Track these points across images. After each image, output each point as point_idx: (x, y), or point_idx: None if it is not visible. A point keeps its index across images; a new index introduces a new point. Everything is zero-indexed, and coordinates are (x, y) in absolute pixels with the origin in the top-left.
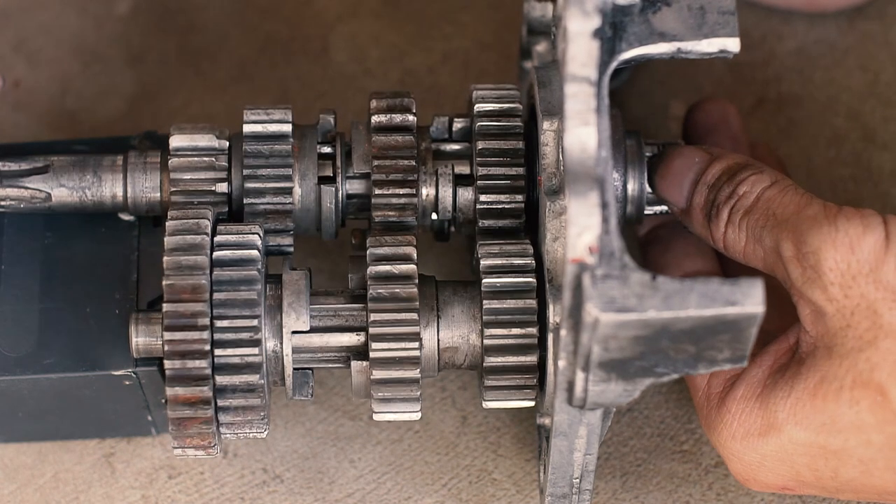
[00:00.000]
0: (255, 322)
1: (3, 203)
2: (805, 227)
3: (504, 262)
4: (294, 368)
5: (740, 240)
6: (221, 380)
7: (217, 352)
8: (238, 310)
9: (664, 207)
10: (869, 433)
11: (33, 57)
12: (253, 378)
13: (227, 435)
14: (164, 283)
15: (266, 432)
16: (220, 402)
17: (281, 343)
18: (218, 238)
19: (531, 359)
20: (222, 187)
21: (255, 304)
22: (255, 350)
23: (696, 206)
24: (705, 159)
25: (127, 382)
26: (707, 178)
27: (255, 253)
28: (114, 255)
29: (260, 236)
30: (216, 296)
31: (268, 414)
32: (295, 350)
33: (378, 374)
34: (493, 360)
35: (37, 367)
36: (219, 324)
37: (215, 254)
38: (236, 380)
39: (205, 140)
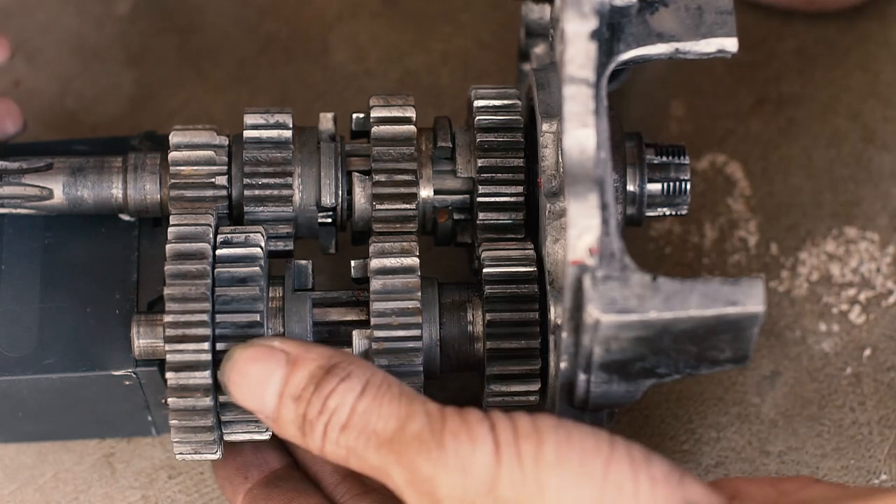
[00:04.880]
0: (256, 318)
1: (3, 201)
2: (413, 451)
3: (506, 269)
4: None
5: (341, 455)
6: (223, 397)
7: (219, 346)
8: (239, 305)
9: (666, 209)
10: None
11: (33, 57)
12: None
13: (230, 436)
14: (165, 291)
15: (269, 434)
16: (224, 418)
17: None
18: (221, 236)
19: (533, 366)
20: (222, 180)
21: (258, 300)
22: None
23: (286, 420)
24: (283, 364)
25: (127, 382)
26: (291, 390)
27: (257, 251)
28: (114, 255)
29: (263, 235)
30: (218, 292)
31: None
32: None
33: None
34: (495, 369)
35: (37, 367)
36: (220, 319)
37: (218, 251)
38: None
39: (205, 137)
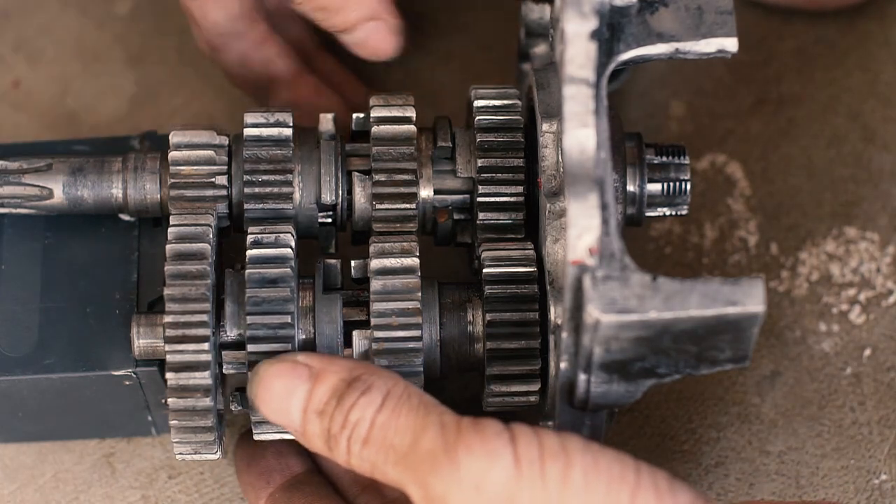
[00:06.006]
0: (287, 319)
1: (3, 201)
2: (426, 468)
3: (506, 269)
4: None
5: (366, 468)
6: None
7: (250, 348)
8: (270, 307)
9: (666, 209)
10: None
11: (33, 57)
12: None
13: (260, 436)
14: (165, 292)
15: None
16: (254, 418)
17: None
18: (251, 237)
19: (533, 367)
20: (222, 180)
21: (289, 327)
22: (289, 347)
23: (312, 435)
24: (306, 379)
25: (127, 382)
26: (314, 405)
27: (288, 251)
28: (114, 255)
29: (293, 235)
30: (249, 293)
31: None
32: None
33: None
34: (495, 369)
35: (37, 367)
36: (251, 321)
37: (248, 252)
38: None
39: (205, 137)
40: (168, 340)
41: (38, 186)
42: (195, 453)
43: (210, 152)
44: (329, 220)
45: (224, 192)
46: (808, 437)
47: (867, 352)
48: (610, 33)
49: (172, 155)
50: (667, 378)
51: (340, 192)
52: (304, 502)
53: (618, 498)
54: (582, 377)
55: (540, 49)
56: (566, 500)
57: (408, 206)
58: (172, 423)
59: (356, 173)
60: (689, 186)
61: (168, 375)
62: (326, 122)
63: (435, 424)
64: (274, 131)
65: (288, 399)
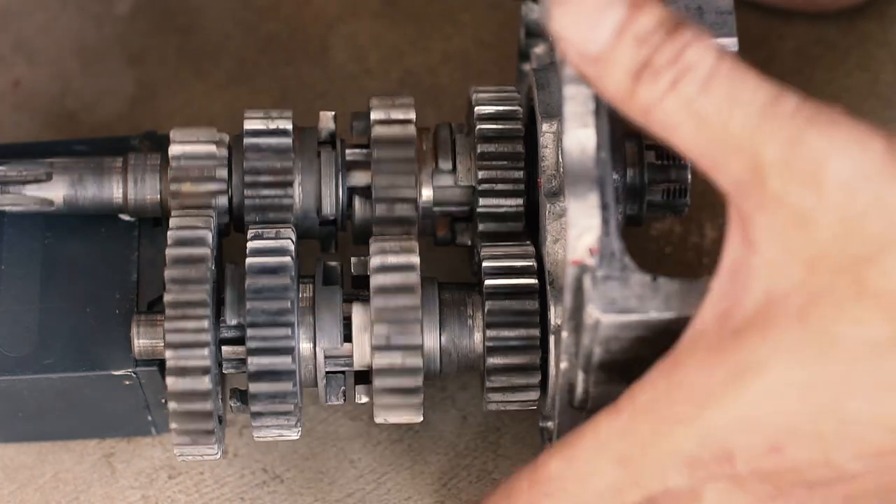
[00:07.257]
0: (287, 304)
1: (3, 208)
2: (800, 122)
3: (506, 263)
4: (326, 372)
5: (679, 118)
6: (253, 388)
7: (249, 333)
8: (271, 318)
9: (666, 211)
10: (882, 353)
11: (33, 57)
12: (286, 386)
13: (261, 438)
14: (165, 297)
15: (298, 434)
16: (253, 409)
17: (314, 351)
18: (251, 231)
19: (533, 359)
20: (222, 181)
21: (288, 313)
22: (288, 359)
23: (619, 62)
24: (623, 2)
25: (127, 382)
26: (636, 27)
27: (288, 243)
28: (114, 255)
29: (293, 230)
30: (248, 281)
31: (300, 417)
32: (328, 356)
33: (380, 384)
34: (495, 361)
35: (37, 367)
36: (251, 306)
37: (249, 244)
38: (268, 388)
39: (205, 137)
40: (168, 345)
41: (39, 196)
42: (196, 455)
43: (210, 153)
44: (329, 223)
45: (224, 194)
46: None
47: None
48: None
49: (172, 155)
50: None
51: (340, 206)
52: None
53: None
54: (582, 377)
55: (540, 49)
56: None
57: (408, 209)
58: (173, 425)
59: (356, 188)
60: (689, 188)
61: (168, 380)
62: (326, 119)
63: (792, 94)
64: (273, 140)
65: (598, 13)
